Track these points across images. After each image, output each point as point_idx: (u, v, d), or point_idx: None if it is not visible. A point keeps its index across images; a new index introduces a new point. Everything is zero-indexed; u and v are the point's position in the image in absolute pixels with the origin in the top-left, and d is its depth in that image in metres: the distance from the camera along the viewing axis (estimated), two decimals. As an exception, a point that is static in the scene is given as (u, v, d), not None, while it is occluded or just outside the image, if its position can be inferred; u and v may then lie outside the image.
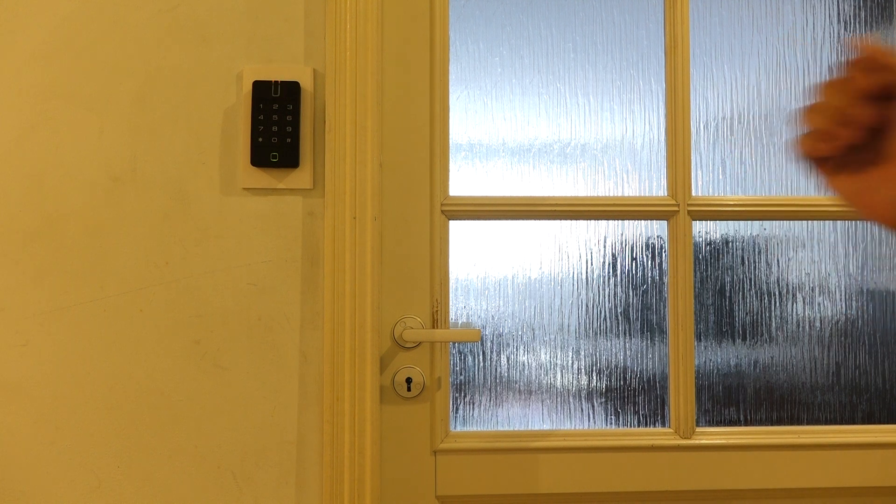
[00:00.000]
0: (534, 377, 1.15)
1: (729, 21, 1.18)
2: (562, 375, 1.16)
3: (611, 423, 1.16)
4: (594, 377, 1.16)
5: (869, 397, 1.18)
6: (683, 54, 1.13)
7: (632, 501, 1.11)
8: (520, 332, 1.15)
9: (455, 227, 1.12)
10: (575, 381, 1.16)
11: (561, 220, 1.15)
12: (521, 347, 1.15)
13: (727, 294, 1.17)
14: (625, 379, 1.16)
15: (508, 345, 1.15)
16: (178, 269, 1.02)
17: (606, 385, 1.16)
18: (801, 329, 1.18)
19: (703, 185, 1.16)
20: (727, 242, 1.17)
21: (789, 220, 1.17)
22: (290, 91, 1.01)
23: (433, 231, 1.10)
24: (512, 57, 1.16)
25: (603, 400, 1.16)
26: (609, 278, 1.16)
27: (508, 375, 1.15)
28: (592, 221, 1.16)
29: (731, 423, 1.16)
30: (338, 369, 1.00)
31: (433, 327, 1.09)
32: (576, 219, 1.15)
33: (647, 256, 1.16)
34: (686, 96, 1.13)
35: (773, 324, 1.18)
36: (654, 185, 1.16)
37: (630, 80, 1.17)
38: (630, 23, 1.17)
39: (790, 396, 1.18)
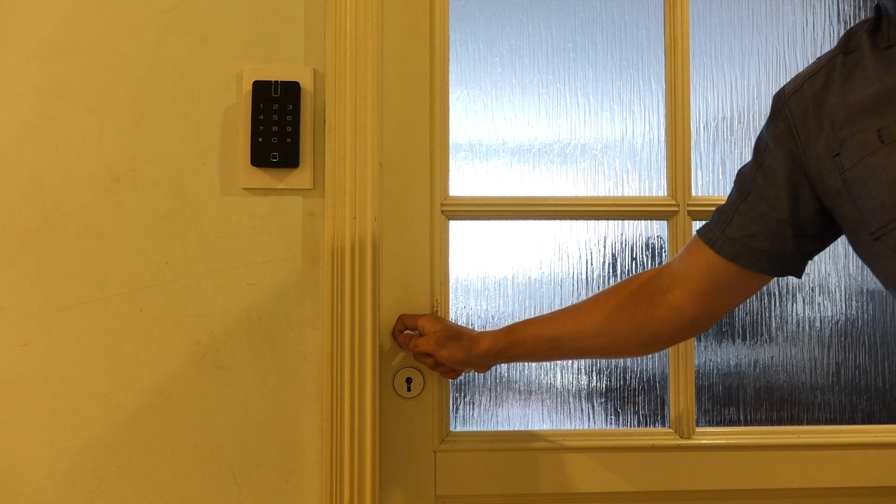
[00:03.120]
0: (534, 377, 1.15)
1: (729, 21, 1.18)
2: (562, 375, 1.16)
3: (611, 423, 1.16)
4: (594, 377, 1.16)
5: (869, 397, 1.18)
6: (683, 54, 1.13)
7: (632, 501, 1.11)
8: (520, 332, 1.15)
9: (455, 227, 1.12)
10: (575, 381, 1.16)
11: (561, 220, 1.15)
12: (521, 347, 1.15)
13: (727, 294, 1.17)
14: (625, 379, 1.16)
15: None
16: (178, 269, 1.02)
17: (606, 385, 1.16)
18: (801, 329, 1.18)
19: (703, 185, 1.16)
20: (727, 242, 1.17)
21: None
22: (290, 91, 1.01)
23: (433, 231, 1.10)
24: (512, 57, 1.16)
25: (603, 400, 1.16)
26: (609, 278, 1.16)
27: (508, 375, 1.15)
28: (592, 221, 1.16)
29: (730, 423, 1.16)
30: (338, 369, 1.00)
31: (433, 327, 1.09)
32: (576, 219, 1.15)
33: (647, 256, 1.16)
34: (686, 96, 1.13)
35: (773, 324, 1.18)
36: (654, 185, 1.16)
37: (630, 80, 1.17)
38: (630, 23, 1.17)
39: (790, 396, 1.18)
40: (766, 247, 0.79)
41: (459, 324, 1.11)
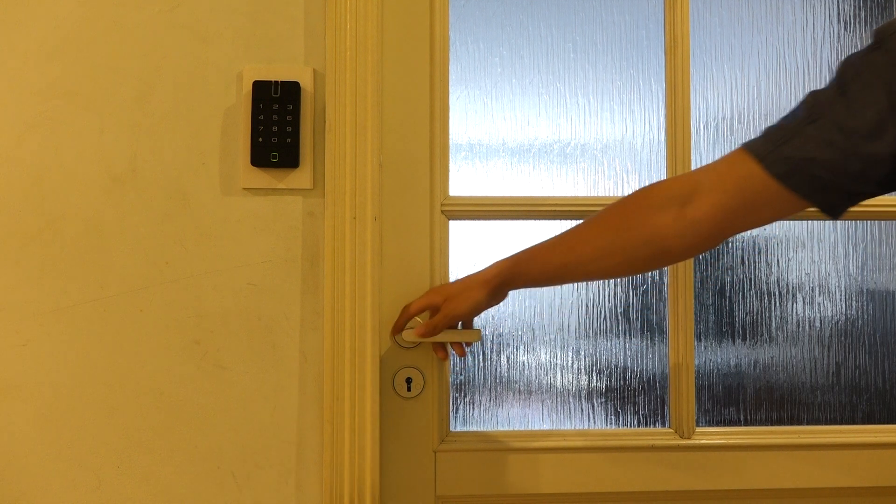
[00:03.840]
0: (534, 377, 1.15)
1: (729, 21, 1.18)
2: (562, 375, 1.16)
3: (611, 423, 1.16)
4: (594, 377, 1.16)
5: (869, 397, 1.18)
6: (683, 54, 1.13)
7: (632, 501, 1.11)
8: (520, 332, 1.15)
9: (455, 227, 1.12)
10: (575, 381, 1.16)
11: (561, 220, 1.15)
12: (521, 347, 1.15)
13: (727, 294, 1.17)
14: (625, 379, 1.16)
15: (508, 345, 1.15)
16: (178, 269, 1.02)
17: (606, 385, 1.16)
18: (801, 329, 1.18)
19: (703, 185, 1.16)
20: (727, 242, 1.17)
21: (789, 220, 1.17)
22: (290, 91, 1.01)
23: (433, 231, 1.10)
24: (512, 57, 1.16)
25: (603, 400, 1.16)
26: (609, 278, 1.16)
27: (508, 375, 1.15)
28: (592, 221, 1.15)
29: (731, 423, 1.16)
30: (338, 369, 1.00)
31: (433, 327, 1.09)
32: (576, 219, 1.15)
33: (647, 256, 1.16)
34: (686, 96, 1.13)
35: (773, 324, 1.18)
36: (654, 185, 1.16)
37: (630, 80, 1.17)
38: (630, 23, 1.17)
39: (790, 396, 1.18)
40: (821, 174, 0.75)
41: (460, 324, 1.10)
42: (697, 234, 0.82)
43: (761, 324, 1.18)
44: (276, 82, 1.01)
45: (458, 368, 1.14)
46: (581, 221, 0.93)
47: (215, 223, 1.02)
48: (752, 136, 0.82)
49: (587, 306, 1.15)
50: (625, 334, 1.16)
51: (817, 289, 1.18)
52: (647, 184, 0.93)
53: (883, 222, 1.19)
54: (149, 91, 1.02)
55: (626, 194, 1.15)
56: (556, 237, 0.94)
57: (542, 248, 0.94)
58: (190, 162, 1.02)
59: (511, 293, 1.14)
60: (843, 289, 1.19)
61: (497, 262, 0.97)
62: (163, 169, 1.02)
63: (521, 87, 1.17)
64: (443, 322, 0.99)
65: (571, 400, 1.16)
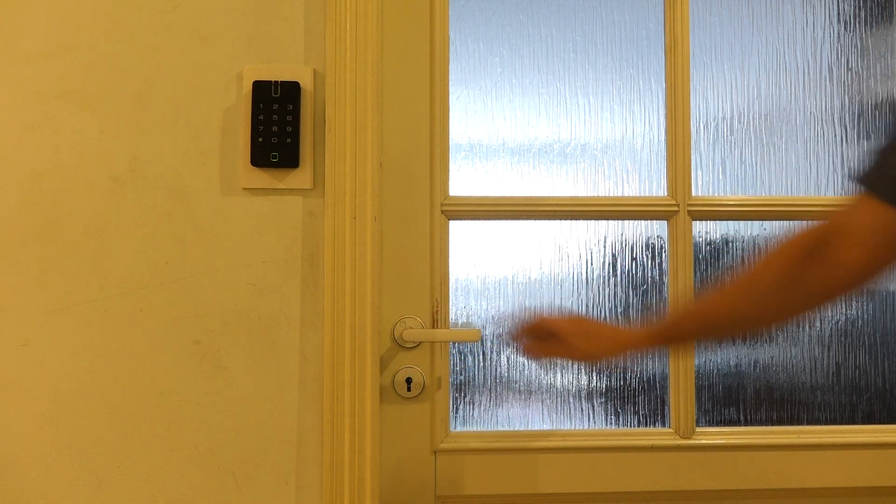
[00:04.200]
0: (534, 377, 1.15)
1: (729, 21, 1.18)
2: (562, 375, 1.16)
3: (611, 423, 1.16)
4: (594, 377, 1.16)
5: (869, 397, 1.18)
6: (683, 54, 1.13)
7: (632, 501, 1.11)
8: (520, 332, 1.15)
9: (455, 227, 1.12)
10: (575, 381, 1.16)
11: (561, 220, 1.15)
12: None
13: (727, 294, 1.17)
14: (625, 379, 1.16)
15: (508, 345, 1.15)
16: (178, 269, 1.02)
17: (606, 385, 1.16)
18: (801, 329, 1.18)
19: (703, 185, 1.16)
20: (727, 242, 1.17)
21: (789, 220, 1.17)
22: (290, 91, 1.01)
23: (433, 231, 1.10)
24: (512, 57, 1.16)
25: (603, 400, 1.16)
26: (609, 278, 1.16)
27: (508, 375, 1.15)
28: (592, 221, 1.16)
29: (731, 423, 1.16)
30: (338, 369, 1.00)
31: (433, 327, 1.09)
32: (576, 219, 1.15)
33: (647, 256, 1.16)
34: (686, 96, 1.13)
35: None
36: (654, 185, 1.16)
37: (630, 80, 1.17)
38: (630, 23, 1.17)
39: (790, 396, 1.18)
40: None
41: (459, 324, 1.11)
42: (858, 276, 0.75)
43: (761, 324, 1.17)
44: (276, 82, 1.01)
45: (458, 368, 1.14)
46: (722, 285, 0.84)
47: (215, 223, 1.02)
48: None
49: (587, 306, 1.15)
50: (625, 334, 1.16)
51: (817, 289, 1.18)
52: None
53: (883, 222, 1.19)
54: (149, 91, 1.02)
55: (626, 194, 1.16)
56: (707, 298, 0.85)
57: (700, 308, 0.86)
58: (190, 162, 1.02)
59: (511, 292, 1.15)
60: (843, 289, 1.18)
61: (651, 329, 0.89)
62: (163, 169, 1.02)
63: (521, 87, 1.17)
64: (562, 355, 0.92)
65: (571, 400, 1.15)
